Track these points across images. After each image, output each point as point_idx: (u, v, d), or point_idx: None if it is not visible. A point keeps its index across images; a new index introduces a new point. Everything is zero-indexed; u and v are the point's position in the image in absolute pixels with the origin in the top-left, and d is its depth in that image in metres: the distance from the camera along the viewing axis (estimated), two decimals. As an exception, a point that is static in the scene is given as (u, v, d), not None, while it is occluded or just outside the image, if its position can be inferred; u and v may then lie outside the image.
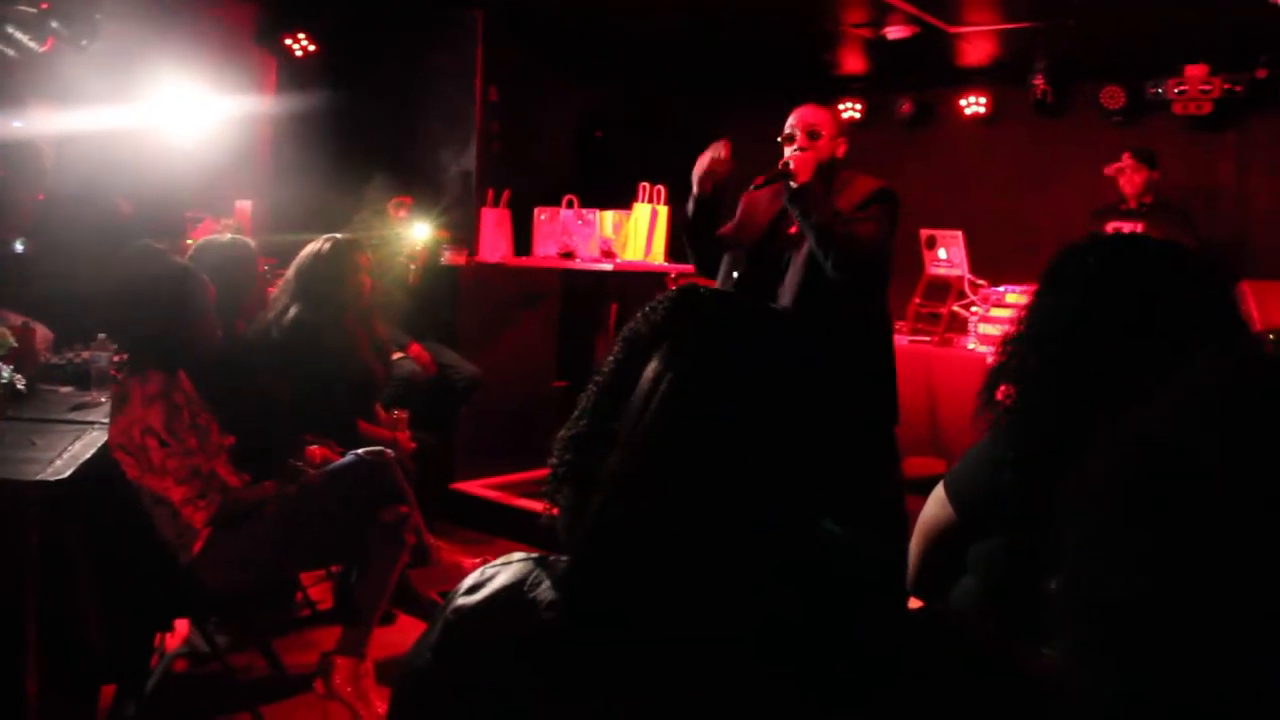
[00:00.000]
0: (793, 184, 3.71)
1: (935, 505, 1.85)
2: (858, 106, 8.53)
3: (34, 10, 6.88)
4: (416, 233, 6.16)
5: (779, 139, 3.89)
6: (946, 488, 1.83)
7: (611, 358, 1.13)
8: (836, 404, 1.06)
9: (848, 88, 8.51)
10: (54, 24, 6.78)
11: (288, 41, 6.75)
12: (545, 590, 1.06)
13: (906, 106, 8.29)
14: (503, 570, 1.12)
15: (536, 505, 4.84)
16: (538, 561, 1.11)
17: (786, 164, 3.74)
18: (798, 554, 1.00)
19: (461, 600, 1.11)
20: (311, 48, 6.78)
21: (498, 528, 5.59)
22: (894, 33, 6.48)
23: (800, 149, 3.79)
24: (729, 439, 1.01)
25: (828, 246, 3.61)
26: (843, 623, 0.99)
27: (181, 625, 3.84)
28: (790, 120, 3.93)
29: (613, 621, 1.01)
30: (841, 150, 3.90)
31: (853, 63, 7.91)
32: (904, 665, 1.02)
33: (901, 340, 6.62)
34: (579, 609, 1.03)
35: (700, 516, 0.99)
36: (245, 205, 7.36)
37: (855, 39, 6.93)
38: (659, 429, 1.02)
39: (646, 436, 1.02)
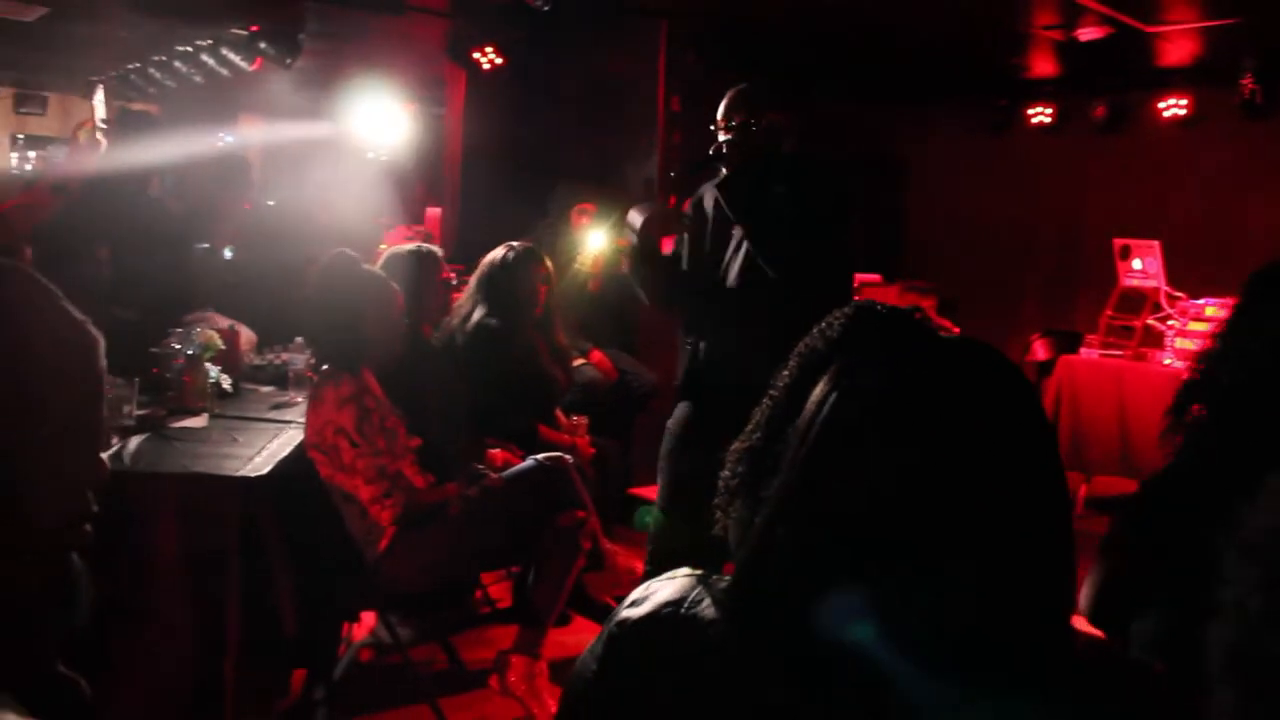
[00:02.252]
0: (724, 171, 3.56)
1: (1119, 533, 1.77)
2: (1048, 111, 8.27)
3: (244, 33, 7.29)
4: (598, 240, 6.26)
5: (711, 126, 3.63)
6: (1129, 514, 1.76)
7: (786, 372, 1.12)
8: (1014, 448, 1.01)
9: (1038, 91, 8.26)
10: (262, 45, 7.17)
11: (476, 55, 6.96)
12: (706, 608, 1.06)
13: (1100, 110, 7.99)
14: (666, 585, 1.13)
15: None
16: (700, 578, 1.11)
17: (719, 148, 3.54)
18: (957, 581, 0.97)
19: (625, 613, 1.12)
20: (499, 60, 6.97)
21: (674, 535, 5.62)
22: (1087, 34, 6.26)
23: (727, 138, 3.53)
24: (892, 468, 0.98)
25: (759, 247, 3.40)
26: (1008, 652, 0.96)
27: (368, 617, 4.00)
28: (720, 106, 3.63)
29: (770, 644, 1.01)
30: (788, 138, 3.56)
31: (1043, 65, 7.68)
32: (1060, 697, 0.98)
33: (1092, 354, 6.39)
34: (737, 630, 1.03)
35: (856, 545, 0.98)
36: (435, 212, 7.63)
37: (1045, 41, 6.72)
38: (819, 454, 1.02)
39: (806, 460, 1.02)
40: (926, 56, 7.36)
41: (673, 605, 1.09)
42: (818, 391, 1.04)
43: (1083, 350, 6.48)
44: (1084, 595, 1.82)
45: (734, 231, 3.55)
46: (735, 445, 1.14)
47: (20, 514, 1.83)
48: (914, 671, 0.94)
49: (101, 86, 2.65)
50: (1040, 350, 7.58)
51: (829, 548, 0.98)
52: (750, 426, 1.13)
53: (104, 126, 2.55)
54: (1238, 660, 0.71)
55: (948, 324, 7.96)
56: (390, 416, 3.43)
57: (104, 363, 2.02)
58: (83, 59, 9.26)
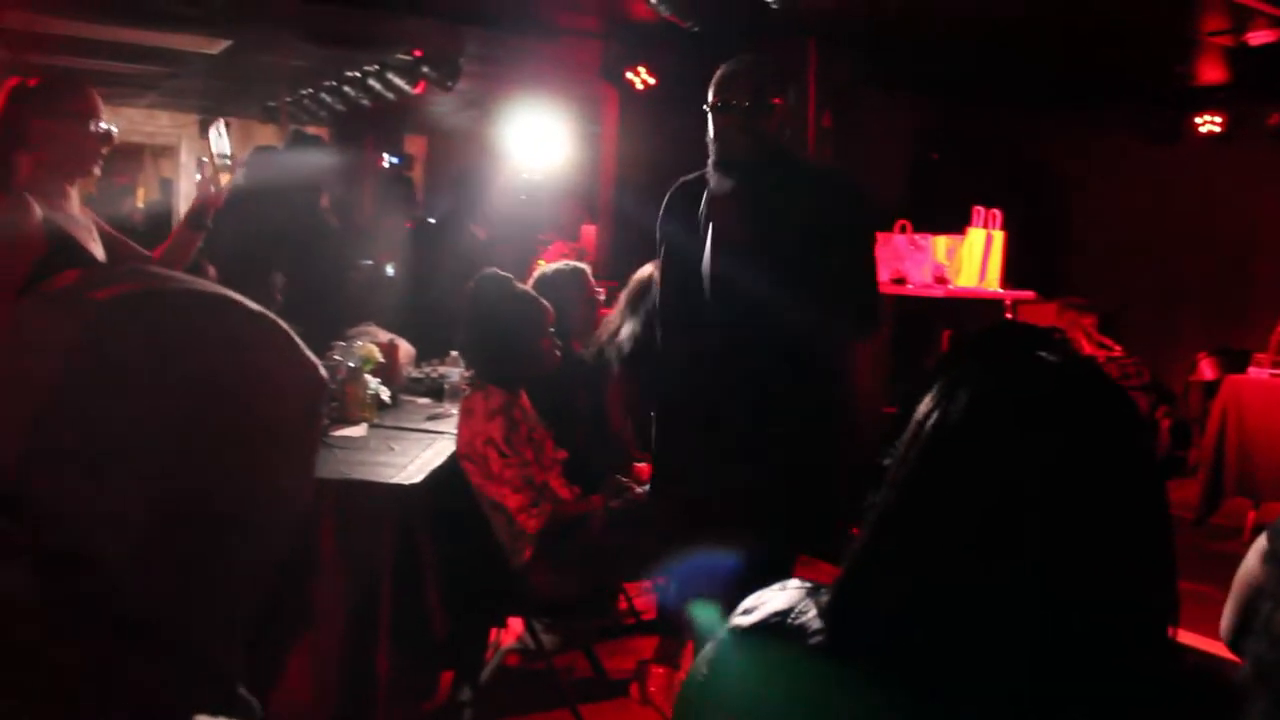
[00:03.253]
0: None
1: (1253, 557, 1.72)
2: (1218, 119, 7.95)
3: (408, 58, 7.59)
4: None
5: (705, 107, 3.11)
6: (1270, 541, 1.71)
7: (928, 389, 1.14)
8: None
9: (1207, 99, 7.95)
10: (425, 69, 7.45)
11: (629, 75, 7.08)
12: (811, 619, 1.08)
13: (1275, 118, 7.64)
14: (777, 595, 1.15)
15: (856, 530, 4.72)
16: (810, 590, 1.13)
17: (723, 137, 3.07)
18: (1054, 602, 0.97)
19: (737, 620, 1.15)
20: (651, 80, 7.08)
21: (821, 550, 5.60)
22: (1258, 38, 6.01)
23: (726, 125, 3.02)
24: (989, 496, 0.99)
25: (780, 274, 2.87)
26: (1104, 663, 0.97)
27: (515, 623, 4.12)
28: (713, 83, 3.11)
29: (871, 656, 1.02)
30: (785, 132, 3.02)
31: (1211, 72, 7.39)
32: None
33: (1261, 374, 6.12)
34: (838, 641, 1.05)
35: (948, 566, 0.99)
36: (590, 229, 7.78)
37: (1214, 47, 6.48)
38: (915, 473, 1.03)
39: (904, 478, 1.04)
40: (1086, 65, 7.18)
41: (781, 615, 1.12)
42: (922, 407, 1.06)
43: (1251, 370, 6.21)
44: (1223, 619, 1.78)
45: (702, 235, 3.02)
46: (875, 461, 1.16)
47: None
48: (1011, 681, 0.96)
49: (223, 122, 2.79)
50: (1207, 369, 7.29)
51: (928, 562, 1.00)
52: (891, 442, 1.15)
53: (227, 162, 2.69)
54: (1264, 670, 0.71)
55: (1108, 342, 7.74)
56: (538, 429, 3.54)
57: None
58: (261, 86, 9.77)
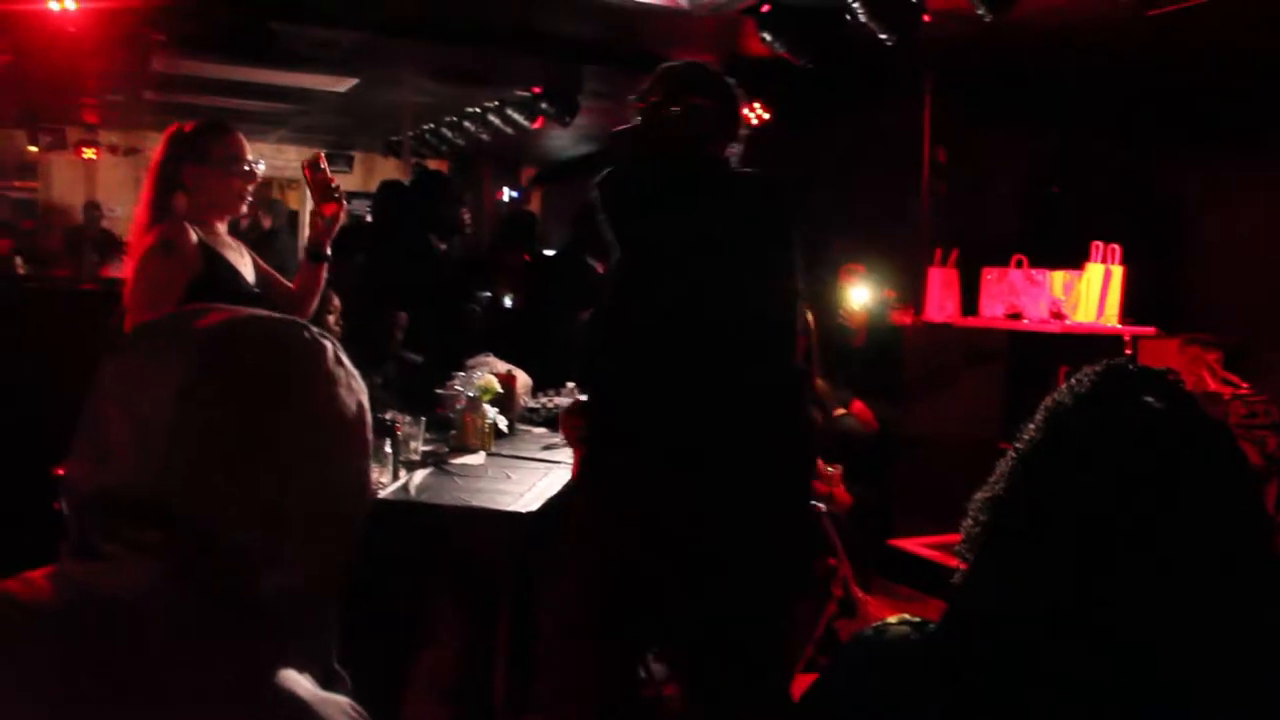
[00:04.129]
0: None
1: None
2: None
3: (528, 94, 7.77)
4: (862, 292, 6.29)
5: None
6: None
7: (1033, 425, 1.14)
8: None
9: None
10: (544, 105, 7.62)
11: (744, 111, 7.13)
12: (914, 643, 1.13)
13: None
14: (891, 629, 1.19)
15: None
16: (916, 625, 1.16)
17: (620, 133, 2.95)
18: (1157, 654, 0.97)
19: (860, 632, 1.20)
20: (765, 115, 7.13)
21: (934, 587, 5.55)
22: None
23: (629, 125, 2.88)
24: (1091, 539, 1.00)
25: (648, 282, 2.74)
26: (1217, 684, 0.97)
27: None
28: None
29: (986, 699, 1.03)
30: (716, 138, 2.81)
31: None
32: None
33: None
34: (949, 680, 1.07)
35: (1050, 606, 1.00)
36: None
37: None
38: (1019, 512, 1.05)
39: (1027, 520, 1.05)
40: (1207, 92, 7.02)
41: (910, 625, 1.16)
42: (1047, 449, 1.07)
43: (1389, 409, 5.99)
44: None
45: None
46: (977, 495, 1.18)
47: None
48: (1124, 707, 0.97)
49: (321, 155, 2.95)
50: (1340, 409, 7.03)
51: (1033, 598, 1.02)
52: (994, 477, 1.17)
53: (333, 193, 2.81)
54: None
55: (1234, 379, 7.50)
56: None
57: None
58: (384, 121, 10.08)
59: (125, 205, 12.86)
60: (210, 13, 5.62)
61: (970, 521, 1.16)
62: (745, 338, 2.69)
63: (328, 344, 1.01)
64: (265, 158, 12.14)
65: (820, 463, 4.87)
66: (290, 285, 3.39)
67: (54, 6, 5.13)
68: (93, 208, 11.52)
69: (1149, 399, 1.07)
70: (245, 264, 3.25)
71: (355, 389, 1.02)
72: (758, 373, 2.68)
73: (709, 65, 2.97)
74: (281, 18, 5.71)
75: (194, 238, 3.03)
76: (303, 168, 3.27)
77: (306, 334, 1.01)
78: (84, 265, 10.15)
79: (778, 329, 2.74)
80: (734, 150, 2.90)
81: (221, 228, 3.21)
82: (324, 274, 3.38)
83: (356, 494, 1.02)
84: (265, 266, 3.38)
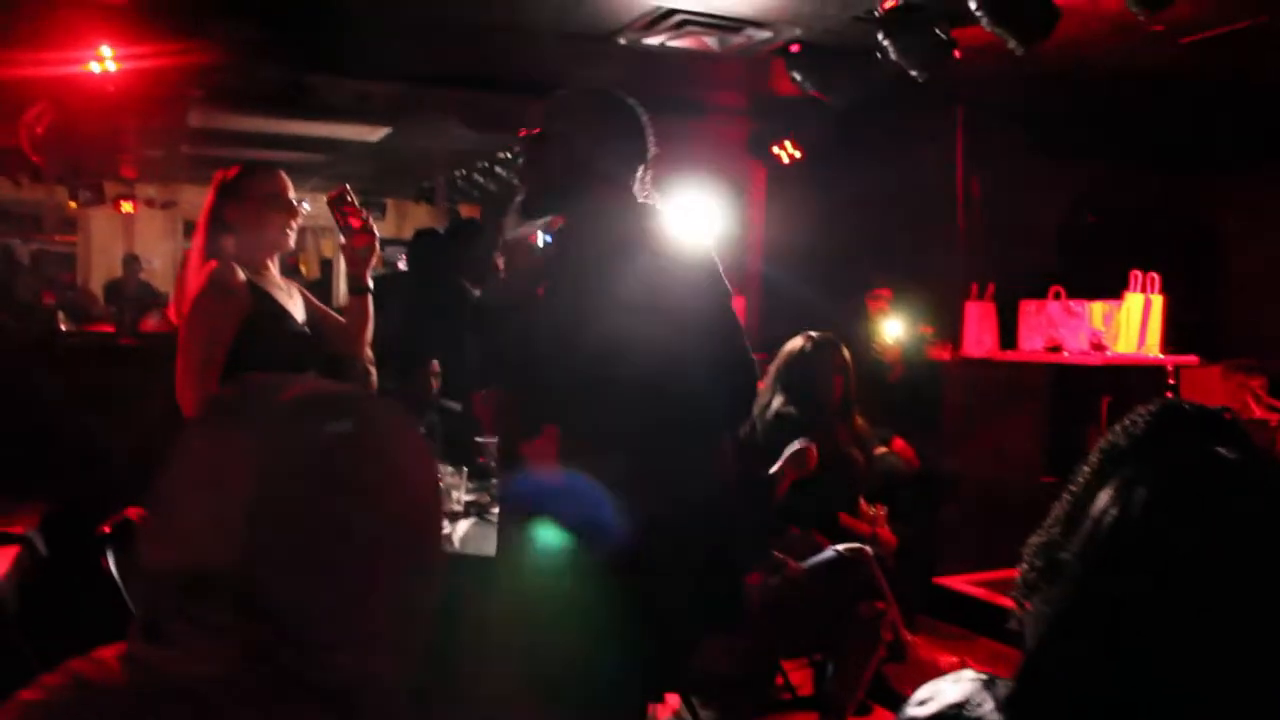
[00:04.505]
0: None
1: None
2: None
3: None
4: (895, 324, 6.26)
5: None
6: None
7: (1087, 467, 1.12)
8: None
9: None
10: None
11: (775, 150, 7.16)
12: (989, 712, 1.08)
13: None
14: (952, 687, 1.15)
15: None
16: (985, 683, 1.13)
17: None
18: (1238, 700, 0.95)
19: (911, 711, 1.16)
20: (797, 154, 7.15)
21: (980, 625, 5.48)
22: None
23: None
24: (1173, 597, 0.97)
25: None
26: None
27: (672, 698, 4.13)
28: None
29: None
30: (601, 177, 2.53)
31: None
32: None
33: None
34: None
35: (1131, 665, 0.97)
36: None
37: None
38: (1095, 570, 1.02)
39: (1084, 574, 1.03)
40: (1243, 119, 6.97)
41: (956, 708, 1.12)
42: (1103, 498, 1.05)
43: None
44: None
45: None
46: (1032, 539, 1.15)
47: None
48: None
49: (346, 188, 2.97)
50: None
51: (1111, 660, 0.99)
52: (1048, 520, 1.15)
53: (362, 223, 2.86)
54: None
55: (1279, 404, 7.40)
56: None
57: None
58: (417, 168, 10.16)
59: (162, 257, 13.05)
60: (248, 69, 5.69)
61: (1025, 565, 1.14)
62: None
63: (396, 413, 1.01)
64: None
65: (863, 503, 4.83)
66: (341, 320, 3.42)
67: (95, 68, 5.21)
68: (131, 260, 11.66)
69: (1220, 449, 1.04)
70: (295, 303, 3.28)
71: (428, 462, 1.02)
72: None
73: (598, 90, 2.64)
74: (318, 72, 5.78)
75: (242, 277, 3.08)
76: (329, 204, 3.25)
77: (382, 407, 1.01)
78: (124, 318, 10.26)
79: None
80: (640, 178, 2.60)
81: (272, 267, 3.26)
82: (369, 305, 3.40)
83: (431, 572, 1.01)
84: (316, 303, 3.41)
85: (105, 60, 5.19)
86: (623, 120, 2.61)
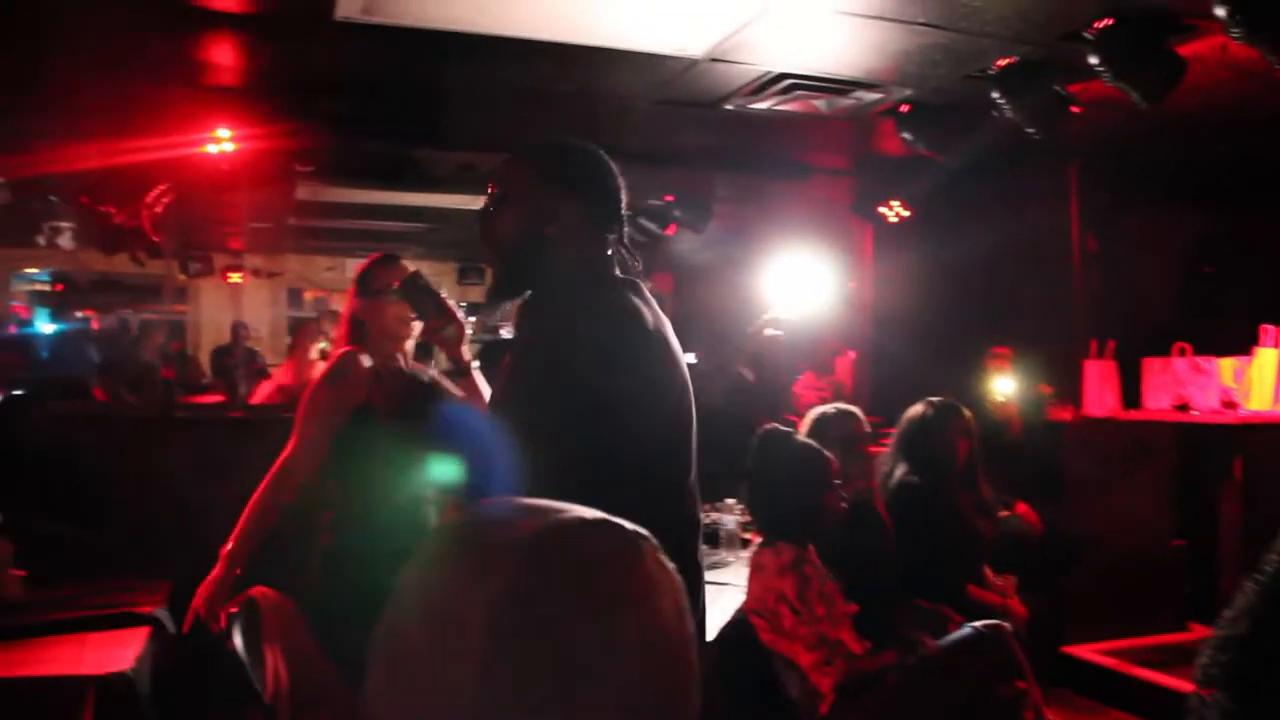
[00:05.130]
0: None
1: None
2: None
3: (660, 202, 7.82)
4: (1007, 382, 6.11)
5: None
6: None
7: (1276, 556, 1.06)
8: None
9: None
10: (677, 213, 7.65)
11: (882, 209, 7.08)
12: None
13: None
14: None
15: (1156, 675, 4.37)
16: None
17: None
18: None
19: None
20: (905, 213, 7.05)
21: (1113, 697, 5.27)
22: None
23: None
24: None
25: None
26: None
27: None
28: None
29: None
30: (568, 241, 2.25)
31: None
32: None
33: None
34: None
35: None
36: (846, 360, 7.72)
37: None
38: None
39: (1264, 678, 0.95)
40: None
41: None
42: None
43: None
44: None
45: None
46: (1216, 630, 1.08)
47: None
48: None
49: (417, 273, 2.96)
50: None
51: None
52: (1233, 611, 1.07)
53: (450, 308, 2.77)
54: None
55: None
56: (828, 583, 3.47)
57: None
58: (518, 234, 10.23)
59: (267, 325, 13.35)
60: (354, 145, 5.78)
61: (1206, 658, 1.07)
62: None
63: (645, 545, 0.92)
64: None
65: (989, 572, 4.67)
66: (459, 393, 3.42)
67: (212, 149, 5.33)
68: (239, 327, 11.89)
69: None
70: (423, 392, 3.28)
71: (675, 590, 0.92)
72: None
73: (553, 142, 2.40)
74: (424, 145, 5.85)
75: (364, 365, 3.17)
76: (400, 291, 2.86)
77: (622, 537, 0.92)
78: (234, 388, 10.42)
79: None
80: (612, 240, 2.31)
81: (402, 358, 3.33)
82: (477, 381, 3.33)
83: (688, 698, 0.91)
84: (452, 388, 3.38)
85: (222, 142, 5.31)
86: (584, 173, 2.34)
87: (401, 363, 3.32)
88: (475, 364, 2.97)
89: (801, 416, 6.26)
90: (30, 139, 5.87)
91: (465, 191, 7.87)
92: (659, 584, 0.89)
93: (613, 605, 0.87)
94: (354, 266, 11.90)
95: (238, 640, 3.07)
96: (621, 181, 2.35)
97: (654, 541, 0.91)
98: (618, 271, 2.28)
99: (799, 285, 7.19)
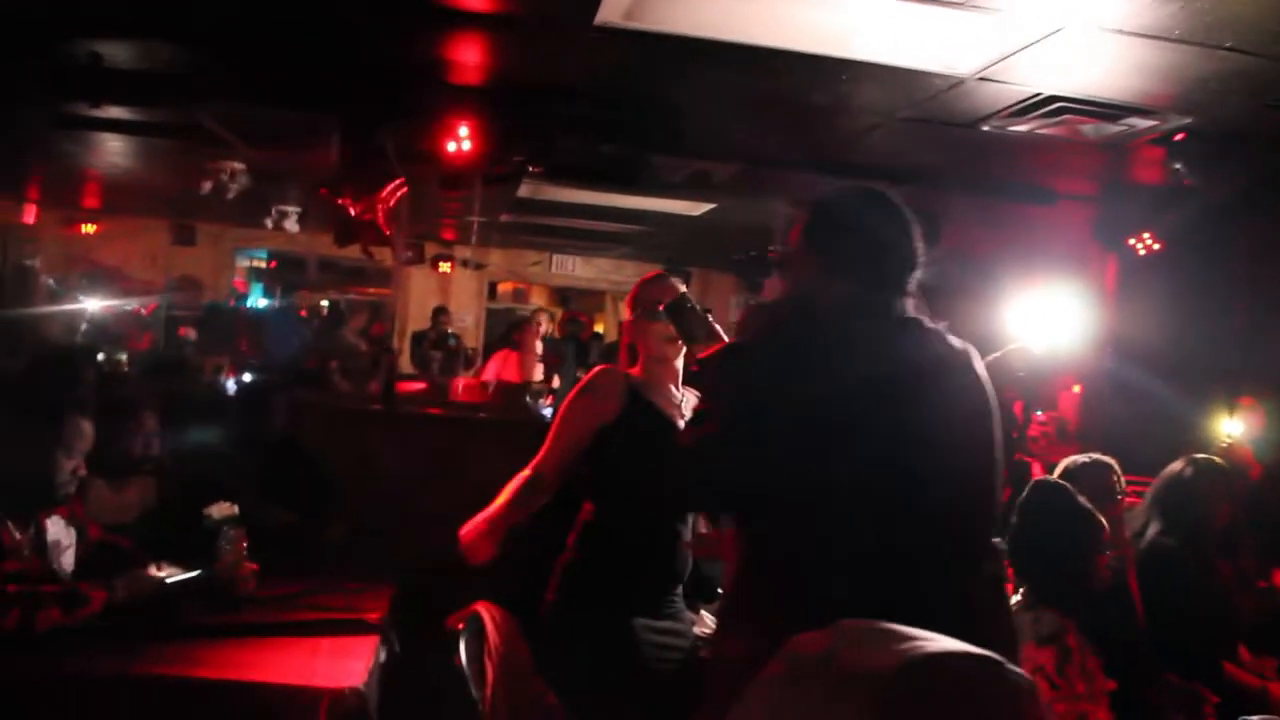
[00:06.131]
0: None
1: None
2: None
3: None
4: (1235, 424, 5.70)
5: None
6: None
7: None
8: None
9: None
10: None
11: (1131, 241, 6.68)
12: None
13: None
14: None
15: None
16: None
17: None
18: None
19: None
20: (1155, 246, 6.63)
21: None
22: None
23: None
24: None
25: None
26: None
27: None
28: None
29: None
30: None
31: None
32: None
33: None
34: None
35: None
36: (1071, 396, 7.32)
37: None
38: None
39: None
40: None
41: None
42: None
43: None
44: None
45: None
46: None
47: None
48: None
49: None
50: None
51: None
52: None
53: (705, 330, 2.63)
54: None
55: None
56: (1090, 658, 3.19)
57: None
58: (732, 242, 10.12)
59: (472, 314, 13.62)
60: (592, 148, 5.74)
61: None
62: None
63: (1025, 685, 0.85)
64: (604, 272, 12.52)
65: (1244, 650, 4.29)
66: None
67: (451, 147, 5.35)
68: (440, 311, 12.05)
69: None
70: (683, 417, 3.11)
71: None
72: None
73: (857, 192, 2.39)
74: (661, 151, 5.77)
75: (620, 383, 3.05)
76: (666, 312, 2.81)
77: (1006, 678, 0.84)
78: (432, 375, 10.53)
79: None
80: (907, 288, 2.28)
81: (670, 383, 3.14)
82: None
83: None
84: None
85: (463, 140, 5.32)
86: (885, 227, 2.29)
87: (671, 388, 3.14)
88: None
89: (1032, 456, 5.95)
90: (273, 127, 6.02)
91: (691, 198, 7.80)
92: None
93: None
94: (559, 262, 12.08)
95: (462, 655, 3.01)
96: (911, 235, 2.30)
97: (1032, 684, 0.86)
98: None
99: (1038, 316, 6.83)
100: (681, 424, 3.04)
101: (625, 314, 3.22)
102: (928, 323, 2.27)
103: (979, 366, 2.30)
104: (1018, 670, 0.86)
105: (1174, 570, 4.09)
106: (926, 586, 2.03)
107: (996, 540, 2.31)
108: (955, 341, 2.27)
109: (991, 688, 0.84)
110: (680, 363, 3.13)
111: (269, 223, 9.80)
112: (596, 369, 3.15)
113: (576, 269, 14.02)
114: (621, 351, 3.22)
